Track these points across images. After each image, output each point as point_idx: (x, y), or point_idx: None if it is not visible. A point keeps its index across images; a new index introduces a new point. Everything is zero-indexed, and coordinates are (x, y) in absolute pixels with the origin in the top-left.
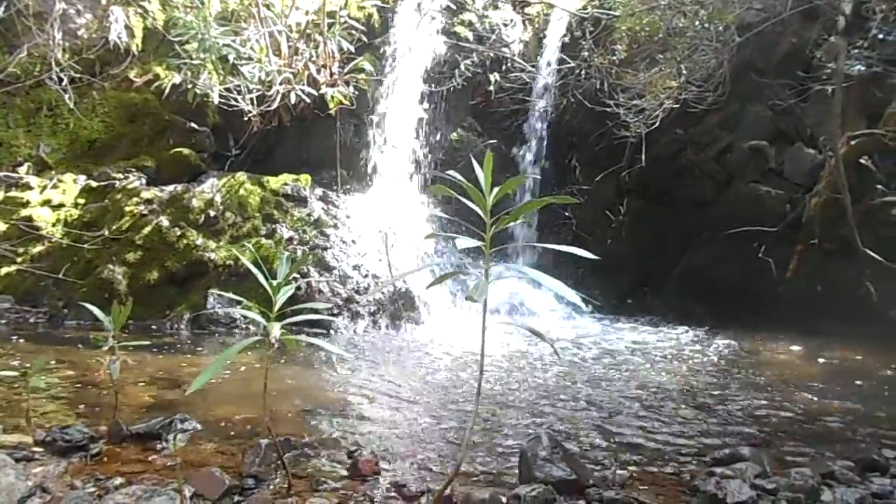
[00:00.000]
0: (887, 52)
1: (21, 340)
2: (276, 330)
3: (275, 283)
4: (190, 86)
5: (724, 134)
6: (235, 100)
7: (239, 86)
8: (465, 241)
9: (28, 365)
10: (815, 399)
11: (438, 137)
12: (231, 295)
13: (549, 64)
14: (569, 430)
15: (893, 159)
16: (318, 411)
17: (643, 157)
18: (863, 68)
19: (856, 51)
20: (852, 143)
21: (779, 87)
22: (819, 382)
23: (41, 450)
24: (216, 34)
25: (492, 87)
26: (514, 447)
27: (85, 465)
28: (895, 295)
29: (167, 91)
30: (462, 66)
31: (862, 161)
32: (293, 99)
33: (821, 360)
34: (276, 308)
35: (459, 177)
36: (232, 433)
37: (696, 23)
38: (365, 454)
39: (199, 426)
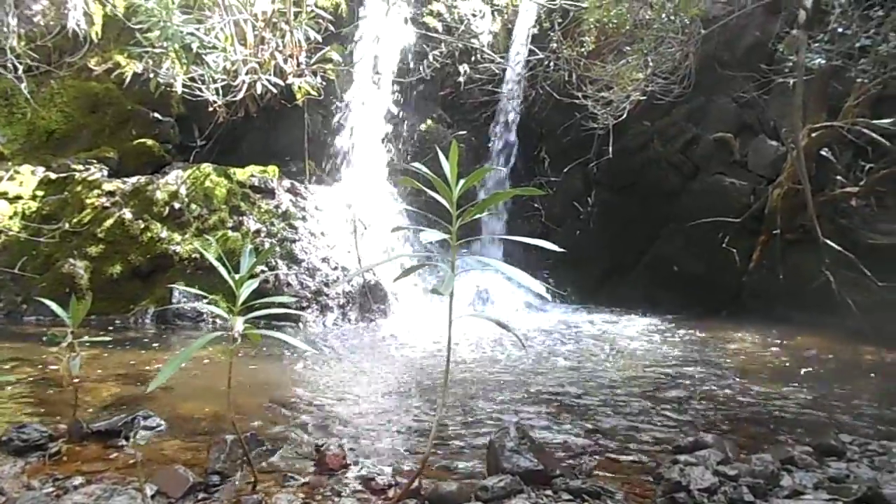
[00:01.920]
0: (846, 45)
1: None
2: (238, 324)
3: (237, 276)
4: (152, 75)
5: (689, 126)
6: (200, 90)
7: (203, 75)
8: (430, 234)
9: None
10: (775, 386)
11: (408, 128)
12: (196, 291)
13: (517, 55)
14: (535, 419)
15: (852, 151)
16: (285, 405)
17: (610, 148)
18: (823, 62)
19: (816, 44)
20: (813, 135)
21: (743, 80)
22: (779, 369)
23: None
24: (179, 22)
25: (461, 79)
26: (484, 437)
27: (43, 464)
28: (854, 283)
29: (128, 80)
30: (430, 57)
31: (822, 153)
32: (259, 89)
33: (781, 349)
34: (240, 302)
35: (425, 169)
36: (197, 430)
37: (663, 15)
38: (332, 448)
39: (162, 423)
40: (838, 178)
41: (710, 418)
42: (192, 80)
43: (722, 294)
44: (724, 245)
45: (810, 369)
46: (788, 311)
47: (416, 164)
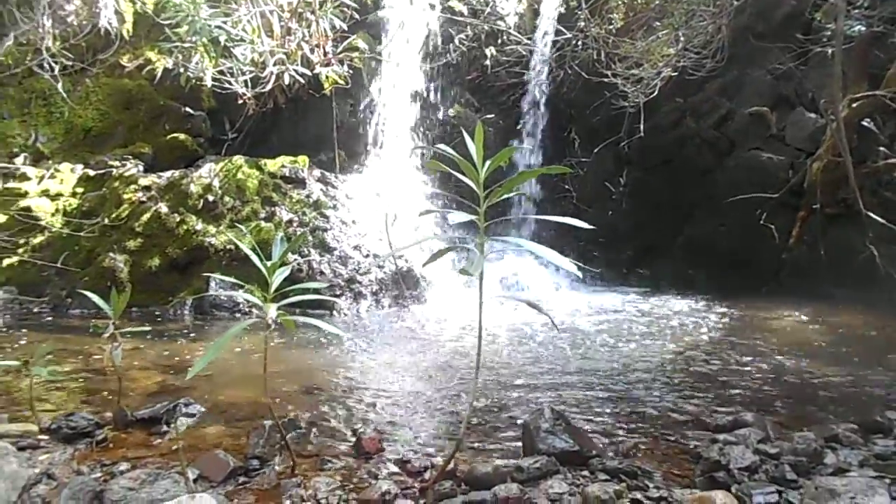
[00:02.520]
0: (887, 11)
1: (24, 331)
2: (272, 311)
3: (269, 263)
4: (182, 70)
5: (723, 101)
6: (229, 83)
7: (231, 68)
8: (457, 216)
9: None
10: (818, 364)
11: (435, 113)
12: (232, 279)
13: (545, 35)
14: (571, 400)
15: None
16: (321, 390)
17: (642, 126)
18: (863, 28)
19: (856, 10)
20: (854, 105)
21: (779, 51)
22: (822, 347)
23: (47, 437)
24: (206, 16)
25: (488, 62)
26: (519, 419)
27: (91, 451)
28: None
29: (159, 76)
30: (456, 41)
31: (864, 123)
32: (287, 80)
33: (823, 326)
34: (273, 289)
35: (452, 151)
36: (236, 415)
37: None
38: (368, 432)
39: (203, 409)
40: (881, 149)
41: (749, 397)
42: (221, 73)
43: (760, 272)
44: (761, 222)
45: (853, 347)
46: (830, 288)
47: (443, 146)
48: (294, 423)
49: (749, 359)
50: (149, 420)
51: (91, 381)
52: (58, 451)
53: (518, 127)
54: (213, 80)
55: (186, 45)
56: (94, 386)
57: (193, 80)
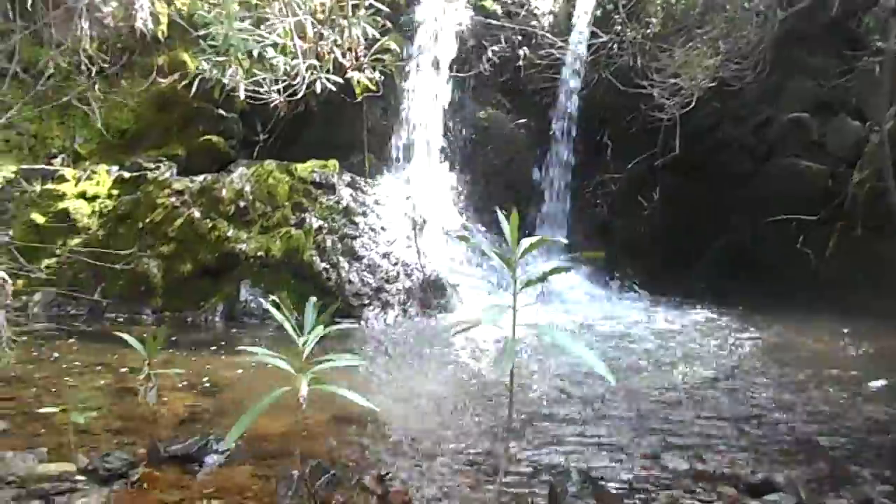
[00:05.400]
0: None
1: (60, 341)
2: (303, 388)
3: (302, 339)
4: (215, 82)
5: (762, 107)
6: (261, 92)
7: (265, 78)
8: (490, 317)
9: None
10: (854, 400)
11: (467, 116)
12: (262, 287)
13: (579, 41)
14: (597, 446)
15: None
16: (350, 422)
17: (677, 137)
18: None
19: None
20: None
21: (822, 56)
22: (859, 378)
23: (84, 478)
24: (239, 27)
25: (521, 63)
26: (548, 458)
27: (126, 492)
28: None
29: (194, 89)
30: (490, 53)
31: None
32: (319, 88)
33: (864, 350)
34: (305, 356)
35: (483, 241)
36: (266, 451)
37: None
38: (396, 485)
39: (233, 444)
40: None
41: (781, 444)
42: (255, 83)
43: (796, 283)
44: (798, 237)
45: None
46: (867, 299)
47: (467, 234)
48: (323, 468)
49: (785, 394)
50: (181, 457)
51: (124, 406)
52: (94, 493)
53: (550, 131)
54: (246, 90)
55: (221, 58)
56: (127, 410)
57: (227, 92)
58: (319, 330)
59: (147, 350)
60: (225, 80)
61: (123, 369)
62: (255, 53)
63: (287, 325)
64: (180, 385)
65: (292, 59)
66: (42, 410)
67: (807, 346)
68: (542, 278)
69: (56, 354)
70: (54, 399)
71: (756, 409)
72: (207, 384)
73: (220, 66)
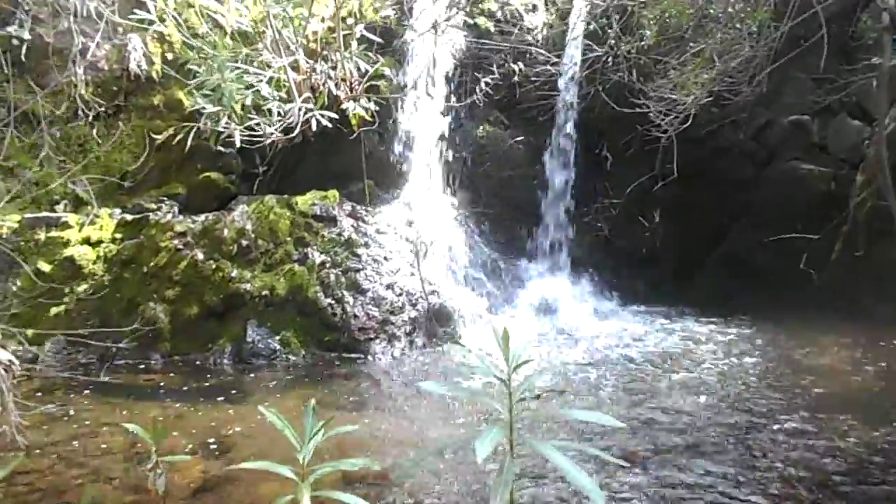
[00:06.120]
0: None
1: (73, 394)
2: (306, 499)
3: (301, 452)
4: (210, 133)
5: (761, 110)
6: (258, 135)
7: (259, 123)
8: (483, 371)
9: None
10: (866, 429)
11: (465, 134)
12: (268, 327)
13: (574, 58)
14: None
15: None
16: (361, 483)
17: (674, 167)
18: None
19: None
20: None
21: (820, 56)
22: (872, 402)
23: None
24: (231, 77)
25: (516, 78)
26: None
27: None
28: None
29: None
30: (482, 84)
31: None
32: (314, 126)
33: (874, 364)
34: (305, 464)
35: (482, 366)
36: None
37: (727, 23)
38: None
39: None
40: None
41: (792, 483)
42: (250, 128)
43: (801, 289)
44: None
45: None
46: (871, 304)
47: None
48: None
49: (790, 417)
50: None
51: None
52: None
53: (548, 148)
54: (241, 134)
55: (214, 108)
56: (137, 482)
57: (222, 140)
58: (319, 437)
59: (153, 438)
60: (220, 129)
61: (134, 428)
62: (249, 102)
63: (287, 433)
64: (192, 444)
65: (286, 92)
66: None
67: (814, 364)
68: (536, 397)
69: (70, 411)
70: (69, 468)
71: (762, 435)
72: (221, 443)
73: (213, 116)
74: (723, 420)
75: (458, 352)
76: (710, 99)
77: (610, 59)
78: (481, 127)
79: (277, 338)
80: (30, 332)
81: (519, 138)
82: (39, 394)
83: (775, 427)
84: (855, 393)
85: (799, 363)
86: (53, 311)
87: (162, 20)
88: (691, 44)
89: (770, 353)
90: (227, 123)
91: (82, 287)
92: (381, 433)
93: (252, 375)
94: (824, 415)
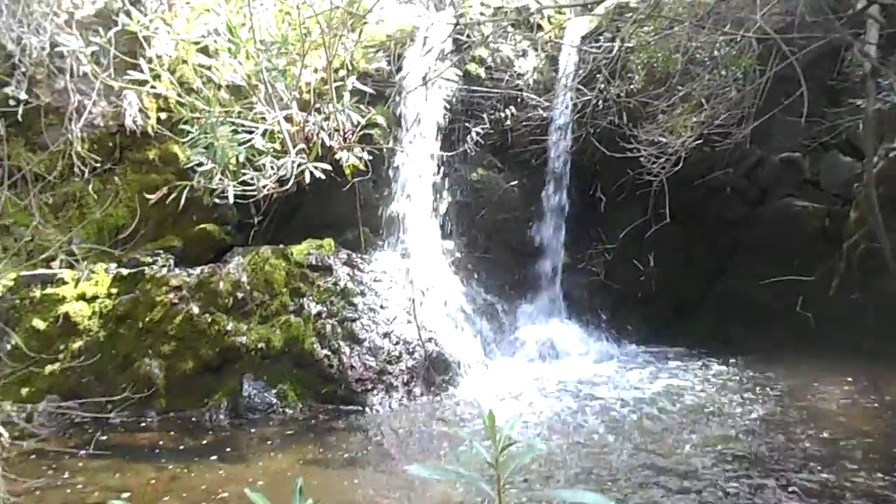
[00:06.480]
0: None
1: (67, 457)
2: None
3: None
4: (204, 191)
5: (752, 148)
6: (250, 191)
7: (253, 178)
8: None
9: None
10: (877, 481)
11: (460, 179)
12: (264, 380)
13: (564, 102)
14: None
15: None
16: None
17: (667, 212)
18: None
19: (886, 82)
20: (891, 155)
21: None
22: (880, 449)
23: None
24: (225, 134)
25: (508, 123)
26: None
27: None
28: None
29: (182, 201)
30: (474, 133)
31: None
32: (307, 178)
33: (881, 405)
34: None
35: (476, 482)
36: None
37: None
38: None
39: None
40: None
41: None
42: (244, 182)
43: (800, 327)
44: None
45: None
46: (872, 341)
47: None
48: None
49: (796, 470)
50: None
51: None
52: None
53: (542, 191)
54: (235, 190)
55: (207, 166)
56: None
57: (216, 197)
58: None
59: None
60: (213, 187)
61: (127, 494)
62: (242, 158)
63: None
64: None
65: (280, 143)
66: None
67: (819, 408)
68: (524, 481)
69: (64, 476)
70: None
71: (768, 494)
72: None
73: (207, 173)
74: (709, 465)
75: (455, 402)
76: (700, 142)
77: (600, 102)
78: (475, 172)
79: (274, 391)
80: (24, 391)
81: (513, 182)
82: (33, 456)
83: (769, 474)
84: (859, 438)
85: (801, 408)
86: (48, 368)
87: (157, 77)
88: (679, 87)
89: (771, 397)
90: (220, 179)
91: (77, 344)
92: (374, 496)
93: (249, 430)
94: (819, 454)
